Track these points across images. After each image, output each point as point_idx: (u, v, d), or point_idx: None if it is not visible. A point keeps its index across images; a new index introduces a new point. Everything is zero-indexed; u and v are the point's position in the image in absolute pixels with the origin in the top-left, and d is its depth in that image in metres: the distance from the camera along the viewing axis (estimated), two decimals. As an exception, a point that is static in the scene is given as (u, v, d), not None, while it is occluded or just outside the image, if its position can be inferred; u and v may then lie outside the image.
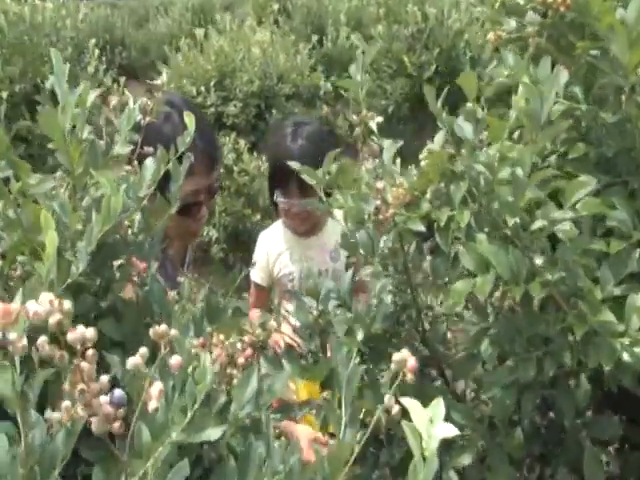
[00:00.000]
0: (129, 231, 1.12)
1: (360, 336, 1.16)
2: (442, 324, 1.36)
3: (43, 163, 3.56)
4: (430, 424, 0.56)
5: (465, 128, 1.09)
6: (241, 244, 4.44)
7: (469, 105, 1.28)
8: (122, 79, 5.43)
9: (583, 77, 1.19)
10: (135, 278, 1.09)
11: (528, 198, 1.04)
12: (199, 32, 4.99)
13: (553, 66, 1.19)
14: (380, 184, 1.07)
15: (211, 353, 0.99)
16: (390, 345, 1.31)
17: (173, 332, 0.67)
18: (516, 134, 1.20)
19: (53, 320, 0.53)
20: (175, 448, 0.66)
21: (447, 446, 1.21)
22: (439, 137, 1.20)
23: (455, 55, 4.72)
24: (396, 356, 0.72)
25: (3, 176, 1.02)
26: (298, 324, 1.37)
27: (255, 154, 4.40)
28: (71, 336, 0.54)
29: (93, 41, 5.21)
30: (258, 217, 4.29)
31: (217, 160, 1.88)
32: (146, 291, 1.07)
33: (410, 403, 0.57)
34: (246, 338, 1.13)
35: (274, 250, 2.26)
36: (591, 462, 1.15)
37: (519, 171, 1.05)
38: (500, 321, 1.14)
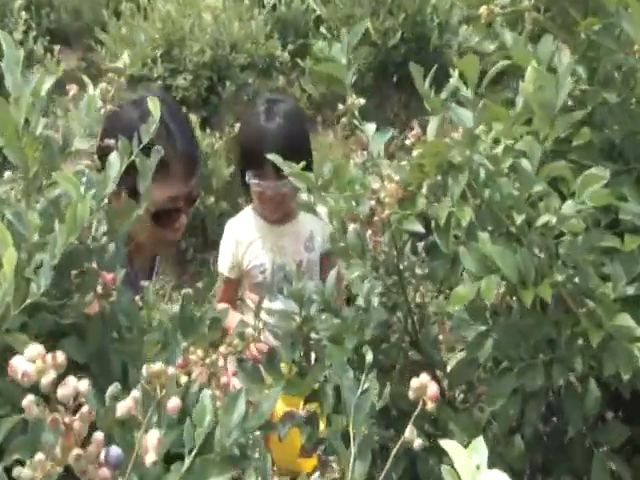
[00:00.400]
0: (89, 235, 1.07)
1: (350, 345, 1.13)
2: (433, 325, 1.34)
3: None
4: (476, 472, 0.53)
5: (464, 115, 1.06)
6: (194, 229, 4.35)
7: (453, 83, 1.26)
8: (56, 48, 5.27)
9: (585, 56, 1.17)
10: (99, 289, 1.04)
11: (535, 192, 1.02)
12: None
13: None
14: (376, 185, 1.04)
15: (190, 374, 0.96)
16: (379, 351, 1.29)
17: (171, 371, 0.63)
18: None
19: (47, 381, 0.48)
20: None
21: (443, 455, 1.20)
22: (433, 124, 1.17)
23: (422, 21, 4.69)
24: (415, 382, 0.69)
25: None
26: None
27: (208, 130, 4.31)
28: (62, 392, 0.50)
29: (19, 2, 5.00)
30: (212, 200, 4.20)
31: (197, 164, 1.82)
32: (113, 303, 1.03)
33: (451, 446, 0.55)
34: (222, 348, 1.09)
35: (244, 239, 2.20)
36: (599, 470, 1.15)
37: (525, 162, 1.03)
38: (502, 324, 1.12)
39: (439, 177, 1.09)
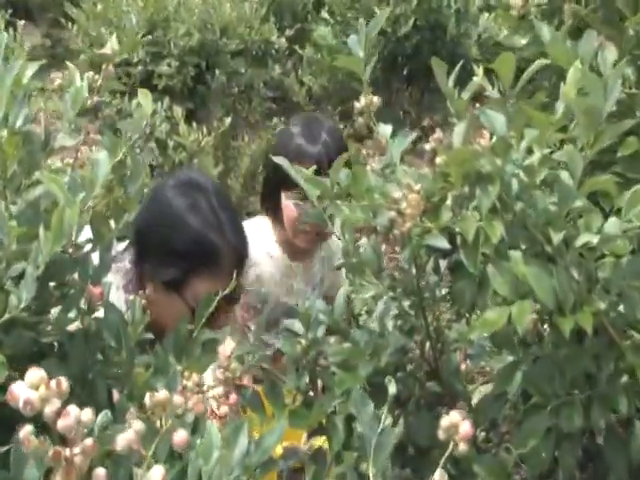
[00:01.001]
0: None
1: (365, 372, 1.13)
2: (454, 353, 1.34)
3: None
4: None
5: (497, 120, 1.06)
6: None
7: (476, 81, 1.26)
8: (20, 23, 5.26)
9: (634, 55, 1.17)
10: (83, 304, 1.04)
11: (575, 208, 1.02)
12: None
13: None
14: (397, 193, 1.04)
15: (186, 402, 0.95)
16: (394, 380, 1.29)
17: (178, 400, 0.63)
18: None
19: (51, 410, 0.48)
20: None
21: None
22: (460, 129, 1.17)
23: (437, 7, 4.69)
24: (445, 421, 0.69)
25: None
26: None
27: (194, 125, 4.31)
28: (63, 423, 0.49)
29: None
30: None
31: (246, 260, 1.83)
32: (98, 320, 1.02)
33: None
34: (219, 373, 1.09)
35: (255, 255, 2.17)
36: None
37: (565, 175, 1.03)
38: (534, 355, 1.12)
39: (466, 188, 1.08)
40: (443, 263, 1.20)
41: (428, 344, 1.28)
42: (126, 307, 1.11)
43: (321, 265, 2.22)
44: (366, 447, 0.83)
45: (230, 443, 0.88)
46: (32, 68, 0.96)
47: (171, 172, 4.29)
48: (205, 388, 0.97)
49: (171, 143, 4.13)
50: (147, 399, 0.65)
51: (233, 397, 0.97)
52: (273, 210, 2.15)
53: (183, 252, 1.65)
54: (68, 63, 1.06)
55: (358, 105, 1.20)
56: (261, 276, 2.20)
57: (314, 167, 1.19)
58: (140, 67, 4.58)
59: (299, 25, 5.98)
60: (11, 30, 4.86)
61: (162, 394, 0.64)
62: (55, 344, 1.02)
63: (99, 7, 4.86)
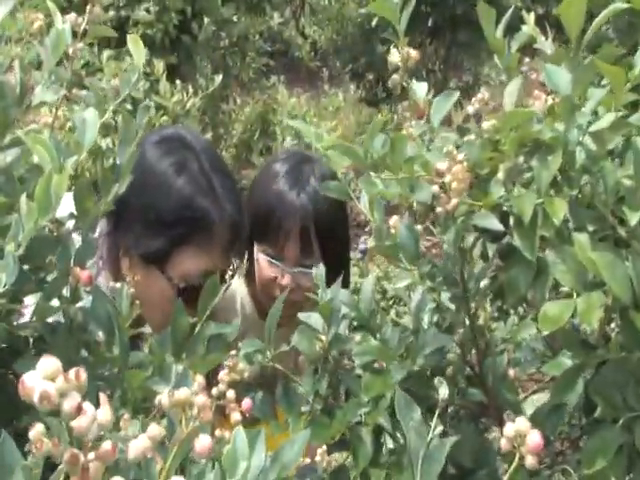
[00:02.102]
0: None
1: (399, 376, 1.14)
2: (501, 355, 1.35)
3: None
4: None
5: (561, 76, 1.06)
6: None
7: (525, 30, 1.26)
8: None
9: None
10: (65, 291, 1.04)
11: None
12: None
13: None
14: (442, 165, 1.04)
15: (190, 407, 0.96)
16: (429, 386, 1.29)
17: (201, 400, 0.63)
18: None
19: (70, 405, 0.48)
20: None
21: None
22: (512, 88, 1.17)
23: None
24: (508, 429, 0.69)
25: None
26: None
27: (178, 83, 4.32)
28: (78, 423, 0.50)
29: None
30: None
31: (242, 233, 1.81)
32: (84, 310, 1.03)
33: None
34: (223, 374, 1.09)
35: (229, 317, 2.14)
36: None
37: (641, 143, 1.03)
38: (601, 359, 1.13)
39: (521, 158, 1.09)
40: (492, 248, 1.21)
41: (471, 344, 1.28)
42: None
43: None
44: (412, 461, 0.83)
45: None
46: (5, 5, 0.95)
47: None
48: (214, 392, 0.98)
49: (151, 104, 4.15)
50: (163, 398, 0.65)
51: (247, 402, 0.97)
52: (248, 262, 2.01)
53: (168, 220, 1.62)
54: (48, 2, 1.06)
55: (393, 59, 1.20)
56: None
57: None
58: (112, 12, 4.59)
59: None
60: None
61: (183, 392, 0.64)
62: (30, 339, 1.02)
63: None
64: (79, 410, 0.50)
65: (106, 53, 4.47)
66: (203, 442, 0.64)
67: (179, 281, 1.64)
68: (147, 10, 4.48)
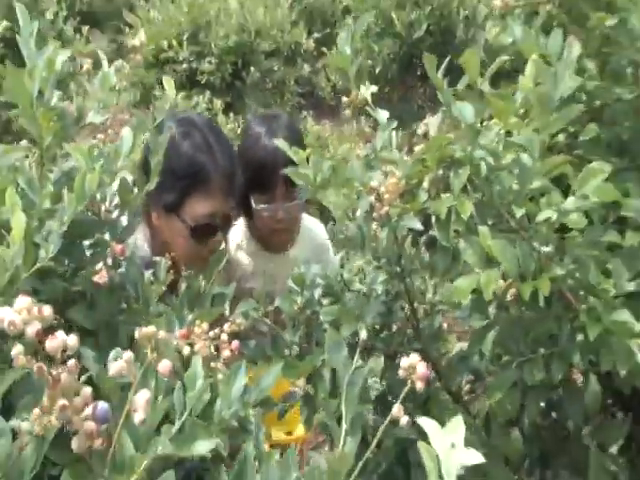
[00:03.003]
0: (102, 207, 1.09)
1: (349, 330, 1.14)
2: (437, 315, 1.35)
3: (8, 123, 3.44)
4: (451, 449, 0.54)
5: (466, 110, 1.06)
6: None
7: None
8: (85, 28, 5.35)
9: (597, 50, 1.16)
10: (109, 260, 1.06)
11: (536, 187, 1.02)
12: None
13: (565, 36, 1.16)
14: (375, 182, 1.04)
15: (192, 345, 0.97)
16: (379, 339, 1.30)
17: (162, 334, 0.64)
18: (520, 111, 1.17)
19: (32, 330, 0.50)
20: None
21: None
22: (436, 119, 1.17)
23: (448, 13, 4.66)
24: (404, 362, 0.70)
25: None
26: None
27: (231, 116, 4.33)
28: (50, 344, 0.51)
29: (53, -15, 5.08)
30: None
31: (236, 182, 1.80)
32: (121, 274, 1.04)
33: (428, 424, 0.56)
34: (226, 327, 1.10)
35: (238, 258, 2.11)
36: (597, 468, 1.15)
37: (525, 157, 1.02)
38: (504, 317, 1.12)
39: (440, 171, 1.09)
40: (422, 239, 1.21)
41: (411, 307, 1.28)
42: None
43: (307, 252, 2.15)
44: (340, 384, 0.84)
45: (230, 382, 0.90)
46: (64, 54, 0.97)
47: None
48: (211, 335, 0.98)
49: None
50: (136, 333, 0.66)
51: (235, 343, 0.98)
52: (246, 212, 2.05)
53: (178, 175, 1.64)
54: (99, 51, 1.08)
55: (345, 99, 1.20)
56: (244, 274, 2.14)
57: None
58: (185, 65, 4.61)
59: (328, 30, 5.97)
60: (78, 35, 4.93)
61: (149, 329, 0.65)
62: (84, 293, 1.03)
63: (152, 14, 4.89)
64: (39, 335, 0.51)
65: (180, 94, 4.48)
66: (164, 365, 0.65)
67: (191, 222, 1.67)
68: (209, 62, 4.51)
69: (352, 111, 1.19)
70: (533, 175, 1.03)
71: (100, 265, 1.02)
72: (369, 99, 1.29)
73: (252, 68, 4.65)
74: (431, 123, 1.13)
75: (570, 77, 1.10)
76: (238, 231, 2.15)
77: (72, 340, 0.52)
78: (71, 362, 0.52)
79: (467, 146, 1.03)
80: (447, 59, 1.21)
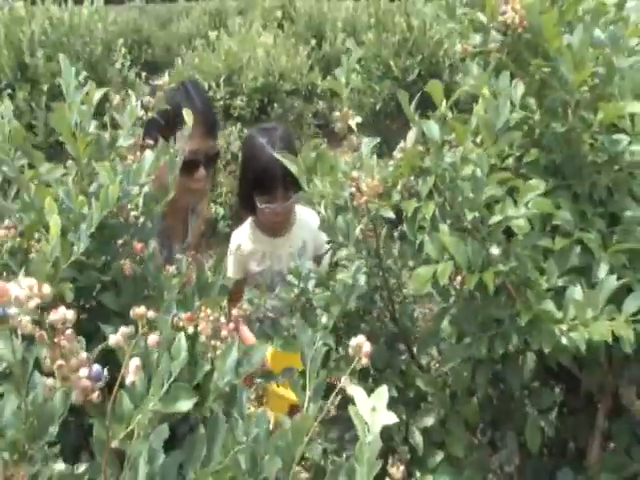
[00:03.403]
0: (132, 213, 1.09)
1: (336, 312, 1.14)
2: (411, 304, 1.34)
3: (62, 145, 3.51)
4: (373, 412, 0.53)
5: (433, 129, 1.06)
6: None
7: (442, 108, 1.25)
8: (143, 74, 5.42)
9: (537, 90, 1.15)
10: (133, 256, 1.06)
11: (487, 195, 1.01)
12: (212, 34, 4.92)
13: (512, 78, 1.16)
14: (355, 173, 1.04)
15: (197, 326, 0.97)
16: (363, 321, 1.29)
17: (150, 313, 0.64)
18: (479, 138, 1.16)
19: (32, 304, 0.50)
20: (157, 415, 0.64)
21: (413, 409, 1.20)
22: (411, 136, 1.17)
23: (435, 61, 4.66)
24: (353, 342, 0.69)
25: (19, 164, 0.99)
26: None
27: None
28: (52, 317, 0.52)
29: (121, 41, 5.15)
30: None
31: (214, 127, 1.86)
32: (143, 267, 1.05)
33: (356, 391, 0.55)
34: (234, 311, 1.10)
35: (246, 248, 2.18)
36: (532, 427, 1.14)
37: (478, 171, 1.02)
38: (459, 303, 1.12)
39: (412, 178, 1.08)
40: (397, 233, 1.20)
41: (388, 296, 1.27)
42: None
43: (304, 234, 2.19)
44: (305, 360, 0.84)
45: (224, 355, 0.90)
46: (99, 92, 0.98)
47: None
48: (213, 318, 0.98)
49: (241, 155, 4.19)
50: (130, 312, 0.66)
51: (231, 325, 0.98)
52: (251, 209, 2.10)
53: (169, 122, 1.61)
54: (129, 91, 1.09)
55: (336, 114, 1.20)
56: (257, 258, 2.20)
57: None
58: (221, 102, 4.64)
59: (340, 74, 5.96)
60: (138, 79, 5.01)
61: (141, 309, 0.65)
62: (113, 282, 1.03)
63: (197, 62, 4.92)
64: (38, 309, 0.51)
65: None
66: (153, 338, 0.65)
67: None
68: (241, 100, 4.54)
69: (343, 126, 1.18)
70: (485, 185, 1.02)
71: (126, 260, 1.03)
72: (354, 127, 1.30)
73: (276, 104, 4.65)
74: (408, 137, 1.13)
75: (514, 110, 1.11)
76: (245, 228, 2.20)
77: (70, 314, 0.53)
78: (68, 331, 0.52)
79: (434, 159, 1.02)
80: (419, 94, 1.22)
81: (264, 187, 2.00)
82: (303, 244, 2.20)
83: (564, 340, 0.94)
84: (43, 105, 3.79)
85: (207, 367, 0.91)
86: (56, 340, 0.50)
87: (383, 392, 0.55)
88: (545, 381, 1.27)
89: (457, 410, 1.20)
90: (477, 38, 1.26)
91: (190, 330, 0.91)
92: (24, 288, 0.49)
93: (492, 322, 1.08)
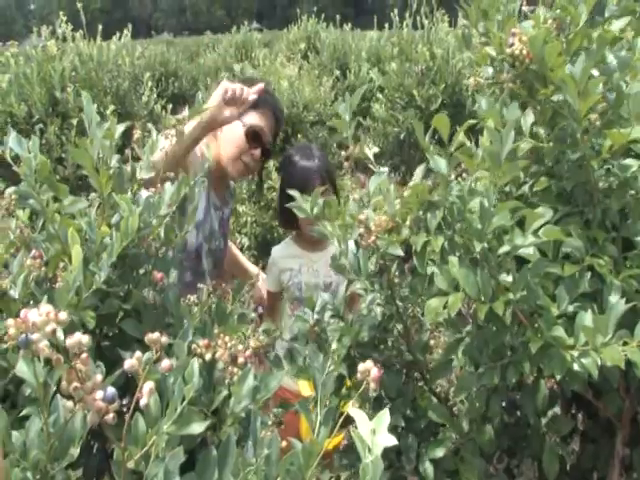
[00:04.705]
0: (154, 244, 1.14)
1: (347, 342, 1.16)
2: (426, 333, 1.35)
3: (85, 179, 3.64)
4: (373, 434, 0.56)
5: (440, 164, 1.09)
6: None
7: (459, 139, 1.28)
8: (169, 106, 5.53)
9: (547, 119, 1.18)
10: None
11: (496, 225, 1.03)
12: (237, 67, 5.04)
13: (524, 108, 1.19)
14: (362, 215, 1.07)
15: (215, 353, 1.01)
16: (377, 351, 1.31)
17: (164, 339, 0.68)
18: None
19: (48, 329, 0.54)
20: (174, 438, 0.68)
21: (424, 439, 1.21)
22: (419, 171, 1.20)
23: (458, 90, 4.69)
24: (361, 366, 0.71)
25: (45, 197, 1.05)
26: None
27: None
28: (69, 341, 0.56)
29: (148, 74, 5.31)
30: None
31: (278, 127, 2.11)
32: (164, 296, 1.09)
33: (357, 414, 0.58)
34: (251, 342, 1.14)
35: (285, 264, 2.29)
36: (550, 455, 1.15)
37: (486, 202, 1.04)
38: (471, 333, 1.13)
39: (421, 212, 1.11)
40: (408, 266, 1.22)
41: (402, 326, 1.29)
42: None
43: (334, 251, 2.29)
44: (316, 386, 0.86)
45: (241, 382, 0.93)
46: (120, 127, 1.04)
47: (265, 207, 4.43)
48: (230, 346, 1.02)
49: (266, 185, 4.25)
50: (146, 338, 0.69)
51: (248, 352, 1.01)
52: (292, 224, 2.23)
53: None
54: (149, 124, 1.15)
55: (344, 153, 1.24)
56: (292, 271, 2.29)
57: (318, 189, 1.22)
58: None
59: (365, 104, 6.04)
60: (164, 112, 5.17)
61: (155, 335, 0.68)
62: (134, 310, 1.07)
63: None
64: (53, 333, 0.54)
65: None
66: (165, 363, 0.67)
67: (246, 126, 1.96)
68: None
69: (349, 164, 1.22)
70: (492, 215, 1.04)
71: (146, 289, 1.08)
72: (371, 157, 1.34)
73: (299, 135, 4.72)
74: (416, 173, 1.16)
75: (523, 140, 1.14)
76: (283, 244, 2.34)
77: (85, 339, 0.56)
78: (84, 355, 0.56)
79: (442, 192, 1.05)
80: (432, 127, 1.25)
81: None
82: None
83: (576, 366, 0.95)
84: (73, 139, 3.94)
85: (224, 393, 0.95)
86: (72, 363, 0.54)
87: (385, 416, 0.58)
88: (565, 408, 1.28)
89: (471, 438, 1.20)
90: (489, 70, 1.30)
91: (208, 356, 0.95)
92: (41, 314, 0.53)
93: (504, 350, 1.09)
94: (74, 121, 4.02)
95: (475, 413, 1.17)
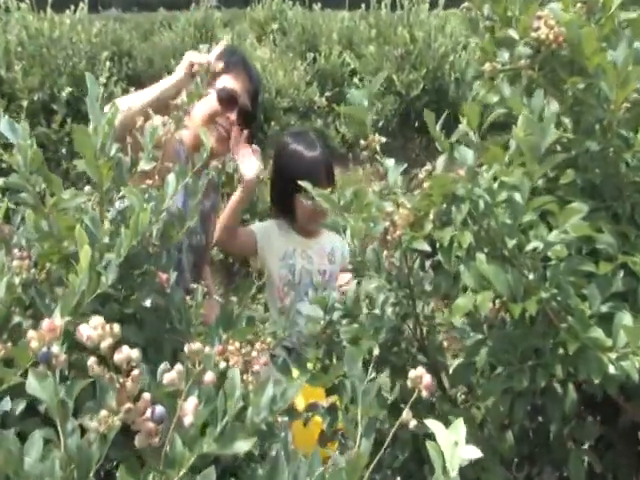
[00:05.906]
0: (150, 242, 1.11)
1: (366, 346, 1.15)
2: (439, 333, 1.35)
3: (57, 166, 3.54)
4: (454, 446, 0.55)
5: (466, 154, 1.09)
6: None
7: (462, 128, 1.28)
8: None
9: (571, 109, 1.19)
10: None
11: (525, 220, 1.04)
12: (203, 47, 4.98)
13: (544, 96, 1.19)
14: (389, 208, 1.06)
15: (228, 360, 0.99)
16: (390, 353, 1.30)
17: (207, 350, 0.66)
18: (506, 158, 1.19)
19: (105, 345, 0.52)
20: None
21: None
22: (440, 161, 1.19)
23: (441, 75, 4.73)
24: (412, 373, 0.71)
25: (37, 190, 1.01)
26: None
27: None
28: (118, 357, 0.53)
29: (105, 54, 5.20)
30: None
31: (257, 93, 2.09)
32: (167, 299, 1.06)
33: (434, 425, 0.57)
34: (257, 345, 1.12)
35: (281, 242, 2.29)
36: (575, 462, 1.16)
37: (517, 196, 1.04)
38: (495, 334, 1.13)
39: (444, 206, 1.10)
40: (428, 263, 1.22)
41: (418, 327, 1.29)
42: None
43: (334, 239, 2.31)
44: (356, 392, 0.85)
45: (259, 392, 0.91)
46: (120, 115, 1.00)
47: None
48: (244, 352, 1.00)
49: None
50: (186, 348, 0.67)
51: (263, 359, 1.00)
52: (288, 209, 2.23)
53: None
54: (149, 110, 1.12)
55: (363, 142, 1.23)
56: (287, 250, 2.29)
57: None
58: (216, 119, 4.68)
59: (338, 89, 6.04)
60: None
61: (196, 345, 0.67)
62: (135, 314, 1.04)
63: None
64: (111, 348, 0.52)
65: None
66: (208, 376, 0.66)
67: (219, 90, 1.96)
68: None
69: (369, 154, 1.21)
70: (524, 211, 1.04)
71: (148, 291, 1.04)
72: (378, 148, 1.33)
73: (272, 122, 4.70)
74: (438, 164, 1.15)
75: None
76: (272, 225, 2.32)
77: (135, 354, 0.54)
78: (135, 372, 0.54)
79: (467, 185, 1.04)
80: (444, 114, 1.24)
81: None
82: (332, 250, 2.33)
83: (612, 369, 0.96)
84: (22, 123, 3.80)
85: (240, 403, 0.93)
86: (122, 381, 0.51)
87: (460, 425, 0.57)
88: (581, 413, 1.29)
89: (492, 445, 1.21)
90: (505, 55, 1.30)
91: (222, 365, 0.93)
92: (94, 327, 0.51)
93: (532, 352, 1.10)
94: (24, 103, 3.90)
95: (497, 419, 1.17)
